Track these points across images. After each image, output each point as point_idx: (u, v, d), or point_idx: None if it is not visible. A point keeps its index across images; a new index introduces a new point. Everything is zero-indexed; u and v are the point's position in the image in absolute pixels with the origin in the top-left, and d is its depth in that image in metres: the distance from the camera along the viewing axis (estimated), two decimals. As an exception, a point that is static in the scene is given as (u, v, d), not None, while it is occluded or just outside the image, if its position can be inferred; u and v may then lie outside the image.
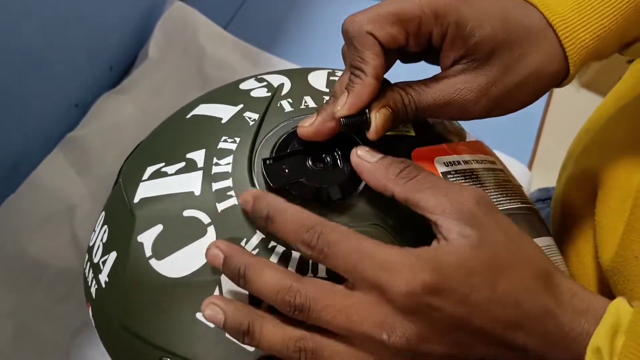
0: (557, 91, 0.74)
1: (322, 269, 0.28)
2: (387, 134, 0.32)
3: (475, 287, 0.25)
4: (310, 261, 0.28)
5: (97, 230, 0.35)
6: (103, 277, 0.32)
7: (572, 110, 0.45)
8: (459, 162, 0.33)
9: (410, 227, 0.29)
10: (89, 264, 0.35)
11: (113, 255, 0.32)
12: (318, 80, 0.36)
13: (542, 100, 0.61)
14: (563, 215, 0.42)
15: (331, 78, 0.36)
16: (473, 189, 0.28)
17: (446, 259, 0.25)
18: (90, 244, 0.36)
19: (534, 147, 0.62)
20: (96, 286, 0.33)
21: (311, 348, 0.26)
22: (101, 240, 0.34)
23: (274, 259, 0.28)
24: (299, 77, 0.36)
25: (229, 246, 0.27)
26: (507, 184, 0.34)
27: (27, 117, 0.49)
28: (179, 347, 0.29)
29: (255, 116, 0.33)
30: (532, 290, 0.26)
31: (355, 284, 0.26)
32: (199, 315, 0.29)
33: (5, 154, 0.48)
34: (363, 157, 0.29)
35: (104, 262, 0.33)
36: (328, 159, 0.30)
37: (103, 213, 0.36)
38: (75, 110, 0.55)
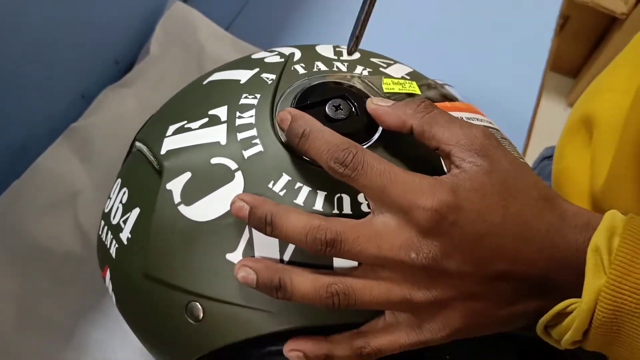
0: (543, 108, 0.79)
1: (346, 205, 0.30)
2: (392, 91, 0.35)
3: (491, 207, 0.27)
4: (336, 198, 0.30)
5: (113, 196, 0.36)
6: (125, 235, 0.33)
7: (559, 128, 0.49)
8: (461, 118, 0.36)
9: (422, 170, 0.32)
10: (106, 228, 0.36)
11: (136, 211, 0.33)
12: (326, 50, 0.38)
13: (528, 116, 0.65)
14: (563, 159, 0.45)
15: (337, 49, 0.39)
16: (481, 126, 0.30)
17: (463, 184, 0.28)
18: (106, 210, 0.37)
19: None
20: (116, 245, 0.34)
21: (342, 290, 0.28)
22: (120, 202, 0.35)
23: (300, 198, 0.30)
24: (307, 48, 0.39)
25: (254, 197, 0.29)
26: (504, 141, 0.37)
27: (35, 105, 0.50)
28: (209, 289, 0.30)
29: (273, 76, 0.35)
30: (539, 210, 0.28)
31: (382, 207, 0.28)
32: (228, 256, 0.30)
33: (12, 138, 0.49)
34: (379, 103, 0.31)
35: (125, 221, 0.34)
36: (346, 110, 0.32)
37: (119, 180, 0.37)
38: (81, 100, 0.56)
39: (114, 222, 0.35)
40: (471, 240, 0.27)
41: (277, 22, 0.68)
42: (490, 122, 0.38)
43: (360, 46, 0.37)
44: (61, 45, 0.51)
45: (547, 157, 0.55)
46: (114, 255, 0.34)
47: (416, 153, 0.31)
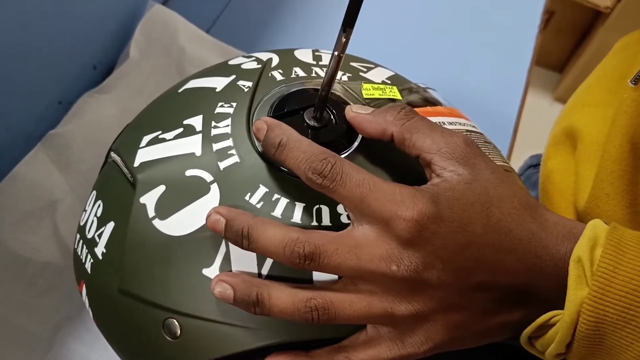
0: (530, 104, 0.79)
1: (325, 217, 0.29)
2: (373, 97, 0.34)
3: (472, 217, 0.27)
4: (315, 210, 0.29)
5: (89, 209, 0.35)
6: (100, 249, 0.32)
7: (545, 123, 0.48)
8: (443, 123, 0.35)
9: (402, 179, 0.31)
10: (81, 242, 0.35)
11: (110, 225, 0.32)
12: (304, 55, 0.37)
13: (514, 113, 0.65)
14: (548, 174, 0.44)
15: (316, 54, 0.38)
16: (462, 134, 0.30)
17: (444, 193, 0.27)
18: (82, 224, 0.36)
19: (508, 159, 0.66)
20: (91, 260, 0.33)
21: (322, 304, 0.27)
22: (95, 215, 0.34)
23: (278, 210, 0.29)
24: (285, 53, 0.38)
25: (230, 210, 0.28)
26: (488, 145, 0.36)
27: (11, 111, 0.49)
28: (186, 305, 0.29)
29: (249, 84, 0.34)
30: (520, 219, 0.28)
31: (362, 218, 0.27)
32: (205, 271, 0.29)
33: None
34: (358, 111, 0.30)
35: (100, 235, 0.33)
36: (325, 118, 0.31)
37: (94, 192, 0.36)
38: (58, 107, 0.55)
39: (89, 235, 0.34)
40: (452, 251, 0.26)
41: (259, 24, 0.68)
42: (473, 127, 0.37)
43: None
44: (37, 49, 0.50)
45: (532, 165, 0.55)
46: (89, 270, 0.33)
47: (397, 161, 0.31)
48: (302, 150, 0.28)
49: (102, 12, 0.58)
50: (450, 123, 0.35)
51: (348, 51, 0.36)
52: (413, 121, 0.29)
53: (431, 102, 0.37)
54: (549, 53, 1.69)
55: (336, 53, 0.28)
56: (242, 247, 0.28)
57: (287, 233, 0.27)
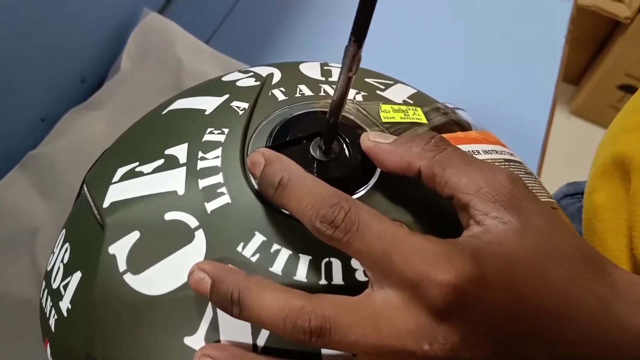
0: (533, 112, 0.72)
1: (337, 273, 0.24)
2: (393, 121, 0.29)
3: (523, 278, 0.21)
4: (323, 264, 0.24)
5: (56, 251, 0.30)
6: (64, 304, 0.27)
7: (563, 139, 0.44)
8: (478, 152, 0.29)
9: (434, 223, 0.25)
10: (46, 291, 0.29)
11: (77, 276, 0.27)
12: (311, 70, 0.32)
13: (541, 132, 0.59)
14: (595, 209, 0.38)
15: (325, 68, 0.32)
16: (506, 169, 0.24)
17: (488, 248, 0.21)
18: (48, 269, 0.30)
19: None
20: (56, 316, 0.28)
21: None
22: (61, 261, 0.28)
23: (278, 265, 0.23)
24: (289, 68, 0.32)
25: (217, 266, 0.22)
26: (530, 177, 0.31)
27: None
28: (163, 381, 0.24)
29: (245, 105, 0.28)
30: (582, 279, 0.22)
31: (384, 280, 0.21)
32: (187, 340, 0.23)
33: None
34: (377, 140, 0.25)
35: (65, 287, 0.27)
36: (334, 148, 0.26)
37: (63, 231, 0.30)
38: (41, 125, 0.50)
39: (54, 285, 0.28)
40: (498, 323, 0.21)
41: (263, 34, 0.62)
42: (511, 154, 0.31)
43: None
44: (18, 61, 0.45)
45: (569, 194, 0.48)
46: (53, 328, 0.28)
47: (426, 204, 0.25)
48: (307, 192, 0.22)
49: (92, 20, 0.53)
50: (486, 151, 0.29)
51: (362, 65, 0.30)
52: (445, 153, 0.24)
53: (462, 125, 0.31)
54: (565, 64, 1.62)
55: (345, 71, 0.22)
56: (231, 315, 0.22)
57: (289, 300, 0.21)
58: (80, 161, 0.48)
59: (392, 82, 0.32)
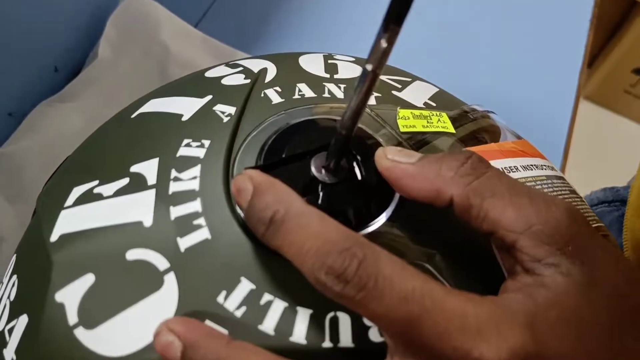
0: (557, 103, 0.66)
1: (345, 333, 0.18)
2: (413, 130, 0.23)
3: (592, 352, 0.16)
4: (328, 320, 0.18)
5: (5, 282, 0.25)
6: (9, 354, 0.22)
7: (576, 126, 0.39)
8: (516, 168, 0.24)
9: (467, 268, 0.20)
10: None
11: (23, 320, 0.21)
12: (313, 64, 0.26)
13: (564, 126, 0.53)
14: None
15: (330, 62, 0.27)
16: (563, 200, 0.19)
17: (546, 313, 0.16)
18: None
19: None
20: (0, 366, 0.22)
21: None
22: (8, 297, 0.23)
23: (269, 323, 0.18)
24: (286, 60, 0.27)
25: (190, 328, 0.17)
26: (576, 197, 0.25)
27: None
28: None
29: (231, 110, 0.23)
30: None
31: (408, 351, 0.16)
32: (152, 415, 0.18)
33: None
34: (397, 159, 0.19)
35: (10, 331, 0.22)
36: (342, 169, 0.20)
37: (14, 258, 0.25)
38: (8, 119, 0.44)
39: (0, 326, 0.23)
40: None
41: (258, 16, 0.56)
42: (552, 167, 0.26)
43: (359, 54, 0.25)
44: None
45: (607, 202, 0.43)
46: (-3, 380, 0.23)
47: (456, 242, 0.20)
48: (309, 233, 0.17)
49: (66, 4, 0.47)
50: (525, 167, 0.24)
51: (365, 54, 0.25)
52: (485, 178, 0.19)
53: (494, 134, 0.26)
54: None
55: (370, 67, 0.17)
56: None
57: None
58: (52, 161, 0.43)
59: (409, 79, 0.27)
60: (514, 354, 0.15)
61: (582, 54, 0.61)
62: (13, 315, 0.22)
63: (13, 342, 0.22)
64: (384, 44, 0.16)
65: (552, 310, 0.16)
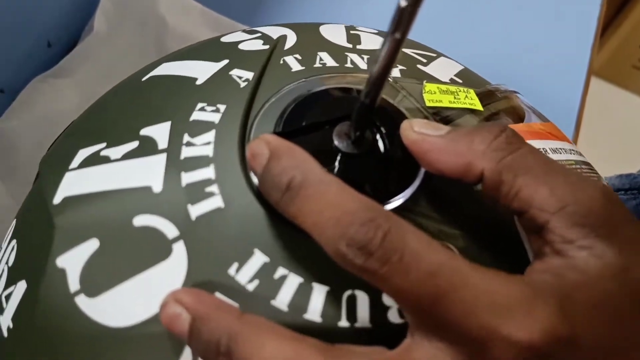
0: (568, 79, 0.63)
1: (363, 312, 0.17)
2: (440, 105, 0.22)
3: (627, 342, 0.16)
4: (345, 298, 0.17)
5: (4, 247, 0.23)
6: (5, 321, 0.21)
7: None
8: (545, 151, 0.23)
9: (496, 248, 0.19)
10: None
11: (21, 286, 0.20)
12: (335, 34, 0.25)
13: (575, 102, 0.51)
14: None
15: (352, 32, 0.26)
16: (598, 181, 0.18)
17: (578, 295, 0.16)
18: None
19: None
20: (-4, 333, 0.21)
21: None
22: (6, 262, 0.22)
23: (283, 298, 0.17)
24: (306, 29, 0.26)
25: (200, 299, 0.16)
26: (597, 177, 0.24)
27: None
28: None
29: (249, 75, 0.21)
30: None
31: (432, 331, 0.15)
32: (156, 390, 0.17)
33: None
34: (425, 132, 0.18)
35: (7, 297, 0.21)
36: (366, 138, 0.19)
37: (14, 223, 0.24)
38: (1, 97, 0.42)
39: None
40: None
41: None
42: (580, 153, 0.25)
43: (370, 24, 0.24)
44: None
45: (622, 189, 0.42)
46: (-7, 348, 0.22)
47: (483, 220, 0.19)
48: (329, 202, 0.16)
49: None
50: (554, 150, 0.23)
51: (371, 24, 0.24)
52: (519, 154, 0.17)
53: (520, 115, 0.25)
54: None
55: (398, 35, 0.16)
56: None
57: (300, 354, 0.15)
58: (46, 138, 0.41)
59: (434, 55, 0.26)
60: (546, 334, 0.14)
61: (595, 27, 0.58)
62: (11, 281, 0.21)
63: (10, 308, 0.21)
64: (403, 2, 0.15)
65: (584, 293, 0.15)
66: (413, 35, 0.29)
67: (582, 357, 0.15)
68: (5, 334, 0.21)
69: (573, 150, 0.24)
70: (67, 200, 0.19)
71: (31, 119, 0.41)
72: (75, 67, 0.44)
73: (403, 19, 0.15)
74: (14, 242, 0.22)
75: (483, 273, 0.15)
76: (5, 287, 0.21)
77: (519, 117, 0.25)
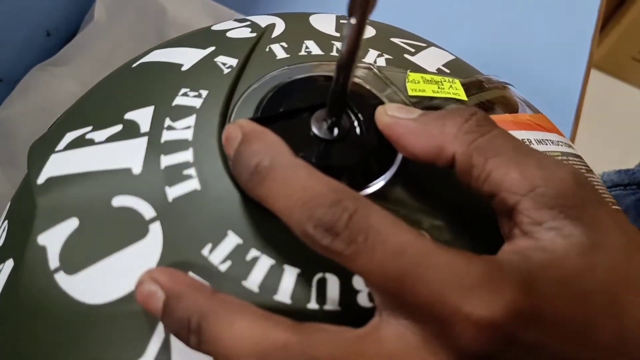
0: (568, 71, 0.62)
1: (332, 294, 0.18)
2: (423, 94, 0.22)
3: (595, 320, 0.16)
4: (315, 281, 0.17)
5: None
6: None
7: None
8: (530, 141, 0.23)
9: (467, 232, 0.19)
10: None
11: (9, 265, 0.21)
12: (324, 23, 0.25)
13: (575, 94, 0.50)
14: None
15: (342, 22, 0.26)
16: (568, 164, 0.18)
17: (542, 273, 0.16)
18: None
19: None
20: (-15, 311, 0.22)
21: None
22: None
23: (254, 279, 0.17)
24: (296, 19, 0.26)
25: (174, 278, 0.17)
26: (593, 176, 0.24)
27: None
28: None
29: (233, 62, 0.22)
30: None
31: (399, 309, 0.16)
32: (131, 366, 0.18)
33: None
34: (397, 114, 0.19)
35: None
36: (343, 124, 0.19)
37: (8, 204, 0.25)
38: (0, 85, 0.43)
39: None
40: None
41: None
42: (569, 145, 0.25)
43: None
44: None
45: (621, 185, 0.41)
46: (-18, 324, 0.23)
47: (456, 204, 0.19)
48: (297, 185, 0.16)
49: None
50: (539, 141, 0.23)
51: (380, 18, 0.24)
52: (490, 136, 0.18)
53: (510, 106, 0.25)
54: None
55: (354, 20, 0.16)
56: (187, 345, 0.16)
57: (269, 332, 0.15)
58: (45, 126, 0.42)
59: (424, 45, 0.26)
60: (507, 311, 0.14)
61: (595, 19, 0.56)
62: (0, 259, 0.22)
63: None
64: None
65: (549, 270, 0.15)
66: (411, 26, 0.29)
67: (546, 333, 0.15)
68: (-7, 311, 0.21)
69: (561, 142, 0.24)
70: (50, 181, 0.20)
71: (30, 108, 0.41)
72: (75, 55, 0.44)
73: (356, 4, 0.15)
74: (5, 223, 0.23)
75: (447, 252, 0.15)
76: None
77: (512, 109, 0.25)
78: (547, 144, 0.23)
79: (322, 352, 0.15)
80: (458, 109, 0.18)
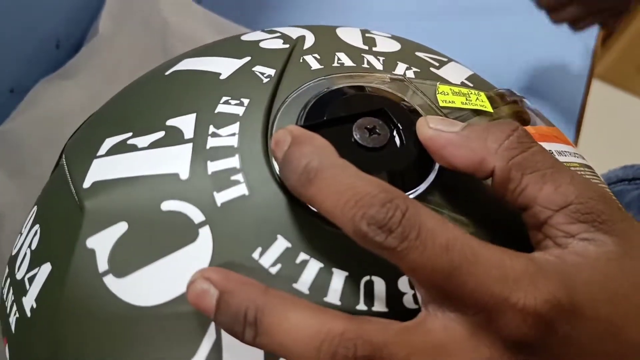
0: (570, 83, 0.64)
1: (379, 297, 0.18)
2: (452, 106, 0.23)
3: (625, 317, 0.17)
4: (363, 283, 0.18)
5: (24, 232, 0.24)
6: (29, 302, 0.21)
7: (588, 106, 0.39)
8: (552, 153, 0.24)
9: (506, 240, 0.20)
10: (9, 281, 0.24)
11: (46, 268, 0.21)
12: (351, 36, 0.26)
13: (576, 102, 0.52)
14: None
15: (367, 35, 0.27)
16: (597, 184, 0.19)
17: (578, 273, 0.17)
18: (13, 253, 0.25)
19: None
20: (17, 314, 0.22)
21: None
22: (29, 246, 0.23)
23: (305, 281, 0.18)
24: (323, 31, 0.27)
25: (226, 275, 0.17)
26: (605, 188, 0.25)
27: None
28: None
29: (271, 72, 0.22)
30: None
31: (446, 302, 0.17)
32: (181, 367, 0.18)
33: None
34: (440, 127, 0.19)
35: (31, 280, 0.22)
36: (382, 133, 0.20)
37: (35, 209, 0.25)
38: (10, 96, 0.43)
39: (18, 275, 0.23)
40: None
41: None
42: (582, 157, 0.26)
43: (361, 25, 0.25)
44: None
45: (626, 179, 0.43)
46: (13, 328, 0.23)
47: (493, 214, 0.20)
48: (348, 184, 0.17)
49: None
50: (560, 152, 0.24)
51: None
52: (530, 153, 0.19)
53: (527, 119, 0.26)
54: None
55: None
56: (244, 341, 0.17)
57: (326, 322, 0.16)
58: (53, 137, 0.42)
59: (445, 60, 0.27)
60: (550, 303, 0.16)
61: (597, 30, 0.59)
62: (35, 263, 0.22)
63: (33, 290, 0.21)
64: None
65: (583, 271, 0.17)
66: (422, 40, 0.30)
67: (583, 326, 0.16)
68: (29, 314, 0.21)
69: (576, 153, 0.26)
70: (97, 185, 0.20)
71: (39, 119, 0.42)
72: (82, 68, 0.45)
73: None
74: (36, 226, 0.23)
75: (492, 248, 0.16)
76: (29, 270, 0.22)
77: (525, 121, 0.26)
78: (566, 156, 0.24)
79: (378, 337, 0.16)
80: (499, 124, 0.19)
